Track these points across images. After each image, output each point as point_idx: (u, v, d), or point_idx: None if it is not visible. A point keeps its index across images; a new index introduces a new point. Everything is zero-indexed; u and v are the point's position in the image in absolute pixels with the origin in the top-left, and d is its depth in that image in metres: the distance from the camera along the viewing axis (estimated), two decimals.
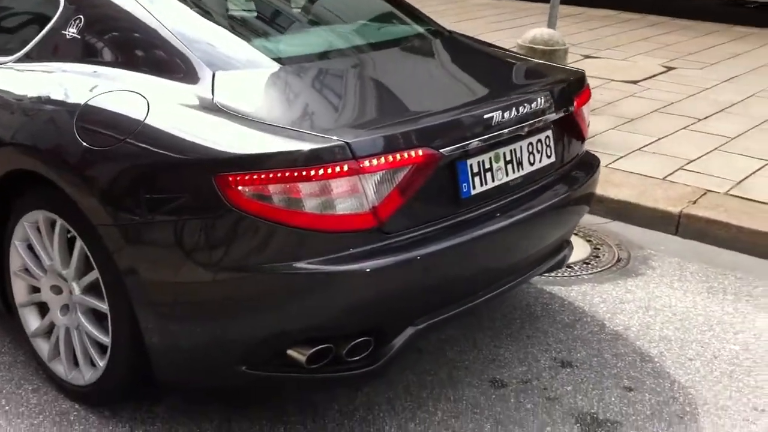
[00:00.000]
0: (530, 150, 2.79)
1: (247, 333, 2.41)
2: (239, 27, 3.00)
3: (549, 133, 2.87)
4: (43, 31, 2.85)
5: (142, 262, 2.40)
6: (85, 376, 2.72)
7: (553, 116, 2.84)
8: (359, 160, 2.28)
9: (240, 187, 2.26)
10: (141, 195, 2.37)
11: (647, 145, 5.33)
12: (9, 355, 3.03)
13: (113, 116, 2.49)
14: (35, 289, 2.85)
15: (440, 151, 2.44)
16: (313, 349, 2.39)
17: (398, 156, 2.35)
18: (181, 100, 2.49)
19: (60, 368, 2.81)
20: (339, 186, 2.28)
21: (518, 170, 2.74)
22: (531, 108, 2.71)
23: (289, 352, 2.42)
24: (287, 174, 2.25)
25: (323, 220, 2.30)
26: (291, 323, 2.39)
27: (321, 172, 2.25)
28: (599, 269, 3.85)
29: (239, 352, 2.44)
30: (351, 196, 2.30)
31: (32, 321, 2.88)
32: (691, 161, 5.02)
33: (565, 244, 3.17)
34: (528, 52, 5.08)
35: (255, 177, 2.25)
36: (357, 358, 2.47)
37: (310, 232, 2.30)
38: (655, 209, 4.36)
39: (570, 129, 3.00)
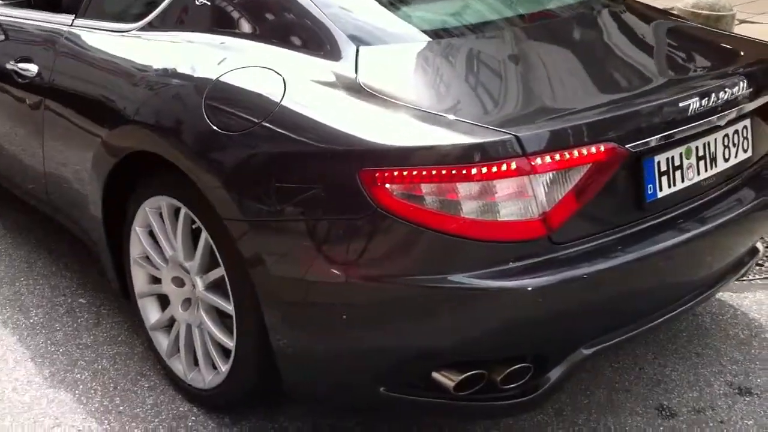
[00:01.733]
0: (726, 143, 2.33)
1: (389, 350, 2.09)
2: None
3: (747, 122, 2.40)
4: None
5: (273, 261, 2.10)
6: (206, 378, 2.47)
7: (756, 103, 2.37)
8: (530, 158, 1.90)
9: (388, 185, 1.92)
10: (274, 187, 2.07)
11: None
12: (126, 345, 2.83)
13: (246, 96, 2.19)
14: (156, 280, 2.62)
15: (626, 146, 2.03)
16: (464, 375, 2.05)
17: (575, 153, 1.96)
18: (321, 78, 2.17)
19: (179, 367, 2.58)
20: (505, 187, 1.91)
21: (711, 167, 2.30)
22: (732, 93, 2.25)
23: (435, 375, 2.09)
24: (444, 171, 1.90)
25: (484, 226, 1.94)
26: (439, 344, 2.05)
27: (485, 170, 1.89)
28: None
29: (378, 370, 2.13)
30: (518, 199, 1.93)
31: (152, 313, 2.66)
32: None
33: (753, 251, 2.70)
34: (690, 19, 4.52)
35: (406, 174, 1.91)
36: (512, 385, 2.12)
37: (468, 241, 1.94)
38: None
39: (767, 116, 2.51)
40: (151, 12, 2.61)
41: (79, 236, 2.94)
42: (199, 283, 2.41)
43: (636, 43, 2.60)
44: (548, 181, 1.94)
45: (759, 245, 2.74)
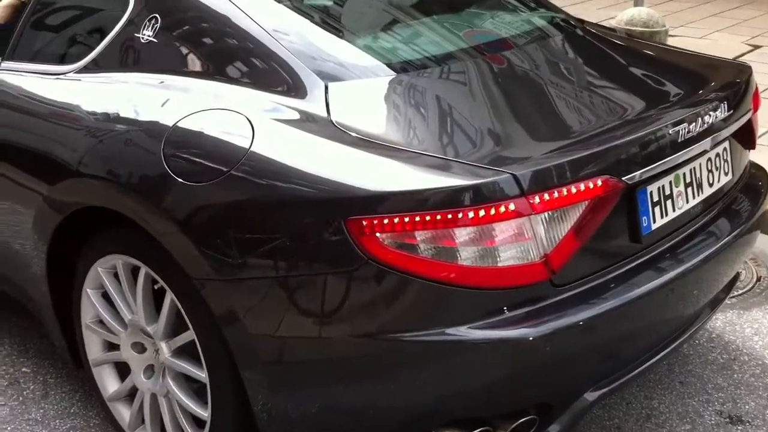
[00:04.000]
0: (709, 168, 2.27)
1: (385, 411, 1.93)
2: (342, 25, 2.48)
3: (726, 144, 2.35)
4: (111, 34, 2.36)
5: (252, 321, 1.91)
6: None
7: (737, 124, 2.32)
8: (529, 197, 1.78)
9: (378, 234, 1.77)
10: (251, 241, 1.89)
11: (761, 135, 4.76)
12: (80, 418, 2.56)
13: (211, 143, 2.01)
14: (113, 346, 2.38)
15: (622, 178, 1.93)
16: None
17: (573, 188, 1.84)
18: (291, 119, 2.00)
19: None
20: (504, 230, 1.79)
21: (698, 194, 2.23)
22: (717, 116, 2.19)
23: None
24: (439, 217, 1.76)
25: (483, 273, 1.81)
26: (437, 402, 1.90)
27: (482, 213, 1.76)
28: (741, 291, 3.32)
29: None
30: (518, 242, 1.80)
31: (110, 382, 2.41)
32: None
33: (738, 274, 2.65)
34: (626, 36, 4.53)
35: (398, 221, 1.76)
36: None
37: (466, 290, 1.80)
38: None
39: (744, 138, 2.47)
40: (90, 52, 2.39)
41: (19, 299, 2.67)
42: (165, 349, 2.19)
43: (612, 70, 2.53)
44: (548, 221, 1.83)
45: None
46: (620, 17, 4.82)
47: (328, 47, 2.25)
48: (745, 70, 2.53)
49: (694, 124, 2.09)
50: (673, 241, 2.14)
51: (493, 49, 2.41)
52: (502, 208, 1.77)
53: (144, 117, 2.15)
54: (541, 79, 2.35)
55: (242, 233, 1.90)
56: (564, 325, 1.85)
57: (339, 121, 1.97)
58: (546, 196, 1.80)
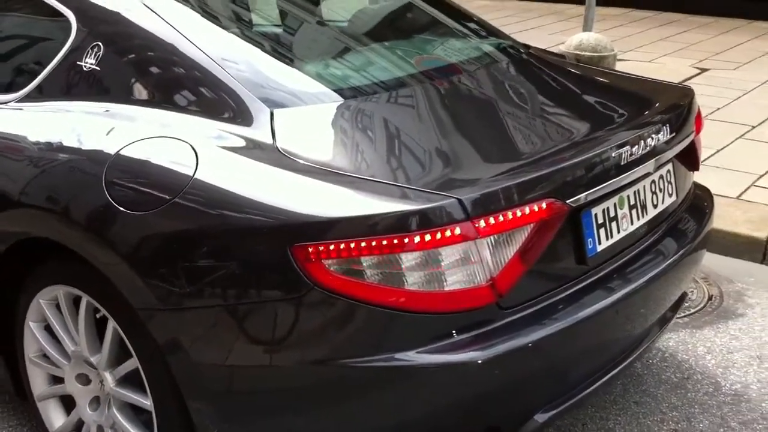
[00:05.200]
0: (653, 189, 2.30)
1: None
2: (291, 52, 2.48)
3: (670, 166, 2.39)
4: (53, 62, 2.32)
5: (196, 349, 1.89)
6: None
7: (680, 147, 2.36)
8: (474, 221, 1.79)
9: (324, 260, 1.76)
10: (194, 269, 1.87)
11: (707, 158, 4.85)
12: None
13: (154, 171, 1.98)
14: (58, 379, 2.33)
15: (567, 201, 1.94)
16: None
17: (518, 212, 1.85)
18: (236, 146, 1.98)
19: None
20: (450, 254, 1.79)
21: (643, 215, 2.25)
22: (659, 139, 2.22)
23: None
24: (385, 242, 1.75)
25: (430, 298, 1.80)
26: (387, 427, 1.89)
27: (428, 237, 1.76)
28: (693, 310, 3.36)
29: None
30: (464, 266, 1.81)
31: (56, 417, 2.36)
32: (761, 176, 4.56)
33: (686, 293, 2.68)
34: (573, 60, 4.60)
35: (344, 247, 1.75)
36: None
37: (414, 314, 1.80)
38: (737, 235, 3.87)
39: (687, 159, 2.51)
40: (32, 80, 2.36)
41: None
42: (109, 379, 2.15)
43: (558, 94, 2.56)
44: (494, 244, 1.83)
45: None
46: (569, 42, 4.89)
47: (274, 74, 2.25)
48: (687, 93, 2.57)
49: (637, 146, 2.12)
50: (618, 263, 2.16)
51: (441, 74, 2.43)
52: (448, 233, 1.77)
53: (86, 145, 2.12)
54: (488, 103, 2.37)
55: (187, 262, 1.87)
56: (512, 348, 1.85)
57: (284, 147, 1.96)
58: (491, 220, 1.81)
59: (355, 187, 1.83)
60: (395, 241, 1.75)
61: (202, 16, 2.37)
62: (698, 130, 2.52)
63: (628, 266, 2.17)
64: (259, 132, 2.01)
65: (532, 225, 1.87)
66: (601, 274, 2.10)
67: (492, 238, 1.82)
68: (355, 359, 1.80)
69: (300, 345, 1.82)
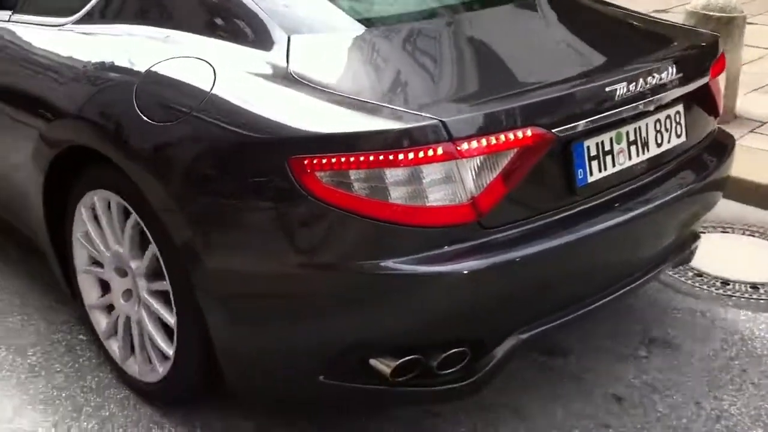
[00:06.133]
0: (658, 128, 2.35)
1: (325, 338, 2.09)
2: None
3: (680, 108, 2.43)
4: None
5: (207, 253, 2.10)
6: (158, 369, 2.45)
7: (686, 88, 2.40)
8: (456, 142, 1.91)
9: (317, 172, 1.93)
10: (205, 178, 2.07)
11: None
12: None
13: (175, 87, 2.19)
14: (98, 263, 2.60)
15: (553, 131, 2.04)
16: (399, 361, 2.05)
17: (503, 137, 1.97)
18: (252, 68, 2.16)
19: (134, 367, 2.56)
20: (432, 172, 1.92)
21: (644, 152, 2.32)
22: (661, 79, 2.27)
23: (372, 362, 2.09)
24: (371, 158, 1.90)
25: (413, 212, 1.95)
26: (373, 330, 2.05)
27: (411, 156, 1.90)
28: None
29: (316, 360, 2.12)
30: (446, 184, 1.94)
31: (92, 292, 2.65)
32: None
33: (694, 237, 2.72)
34: (701, 21, 4.54)
35: (334, 161, 1.92)
36: (450, 370, 2.12)
37: (398, 226, 1.94)
38: None
39: (703, 103, 2.54)
40: (85, 5, 2.60)
41: (27, 234, 2.89)
42: (142, 285, 2.40)
43: (573, 31, 2.62)
44: (476, 166, 1.95)
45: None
46: (696, 2, 4.79)
47: (297, 3, 2.40)
48: (706, 39, 2.59)
49: (634, 84, 2.18)
50: (612, 195, 2.24)
51: (455, 11, 2.54)
52: (430, 152, 1.90)
53: (121, 64, 2.35)
54: (497, 38, 2.46)
55: (198, 170, 2.08)
56: (491, 264, 1.98)
57: (295, 70, 2.12)
58: (474, 143, 1.93)
59: (350, 107, 1.98)
60: (381, 157, 1.90)
61: None
62: (713, 76, 2.53)
63: (621, 199, 2.24)
64: (276, 55, 2.18)
65: (515, 150, 1.98)
66: (591, 204, 2.19)
67: (474, 159, 1.94)
68: (346, 265, 1.97)
69: (295, 250, 2.00)
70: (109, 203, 2.43)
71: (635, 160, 2.29)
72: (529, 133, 2.00)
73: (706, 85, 2.50)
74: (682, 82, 2.37)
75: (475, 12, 2.55)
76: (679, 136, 2.44)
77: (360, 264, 1.96)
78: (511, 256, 2.01)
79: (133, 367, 2.53)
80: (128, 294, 2.49)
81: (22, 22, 2.79)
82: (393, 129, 1.90)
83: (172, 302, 2.28)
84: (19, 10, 2.83)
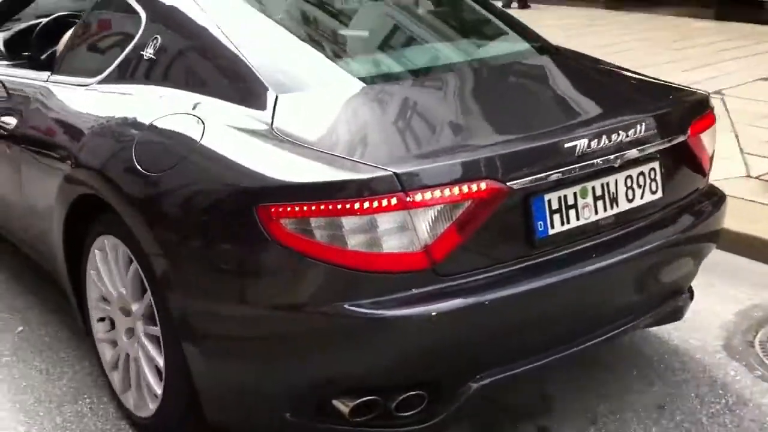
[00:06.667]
0: (628, 184, 2.41)
1: (290, 377, 2.21)
2: (317, 44, 2.84)
3: (655, 165, 2.48)
4: (125, 52, 2.82)
5: (183, 294, 2.27)
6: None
7: (660, 145, 2.46)
8: (408, 193, 2.03)
9: (281, 219, 2.07)
10: (186, 224, 2.25)
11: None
12: None
13: (168, 140, 2.40)
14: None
15: (508, 184, 2.14)
16: (357, 401, 2.16)
17: (456, 190, 2.08)
18: (241, 126, 2.34)
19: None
20: (386, 221, 2.04)
21: (612, 208, 2.38)
22: (629, 136, 2.34)
23: (335, 402, 2.20)
24: (330, 206, 2.04)
25: (369, 258, 2.07)
26: (333, 371, 2.17)
27: (366, 205, 2.03)
28: None
29: (283, 398, 2.24)
30: (399, 233, 2.06)
31: (100, 328, 2.85)
32: None
33: (677, 293, 2.73)
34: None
35: (297, 209, 2.06)
36: (409, 413, 2.21)
37: (356, 272, 2.07)
38: None
39: (685, 160, 2.59)
40: (108, 68, 2.86)
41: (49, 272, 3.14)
42: (139, 325, 2.58)
43: (553, 89, 2.74)
44: (430, 216, 2.07)
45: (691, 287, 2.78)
46: None
47: (290, 64, 2.59)
48: (693, 96, 2.65)
49: (596, 141, 2.25)
50: (575, 248, 2.30)
51: (449, 68, 2.71)
52: (384, 202, 2.02)
53: (128, 119, 2.59)
54: (469, 96, 2.61)
55: (179, 215, 2.27)
56: (442, 310, 2.07)
57: (278, 127, 2.29)
58: (428, 194, 2.04)
59: (317, 160, 2.13)
60: (339, 206, 2.04)
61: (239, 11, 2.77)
62: (695, 133, 2.57)
63: (585, 252, 2.30)
64: (263, 113, 2.36)
65: (468, 202, 2.09)
66: (553, 255, 2.26)
67: (427, 209, 2.05)
68: (308, 307, 2.10)
69: (262, 293, 2.15)
70: (117, 248, 2.63)
71: (602, 214, 2.35)
72: (483, 186, 2.10)
73: (685, 143, 2.54)
74: (654, 139, 2.42)
75: (460, 72, 2.69)
76: (654, 192, 2.48)
77: (320, 307, 2.09)
78: (465, 303, 2.10)
79: (130, 400, 2.70)
80: (130, 332, 2.68)
81: (56, 82, 3.08)
82: (349, 179, 2.04)
83: (161, 344, 2.45)
84: (56, 71, 3.13)
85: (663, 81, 2.89)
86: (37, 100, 3.09)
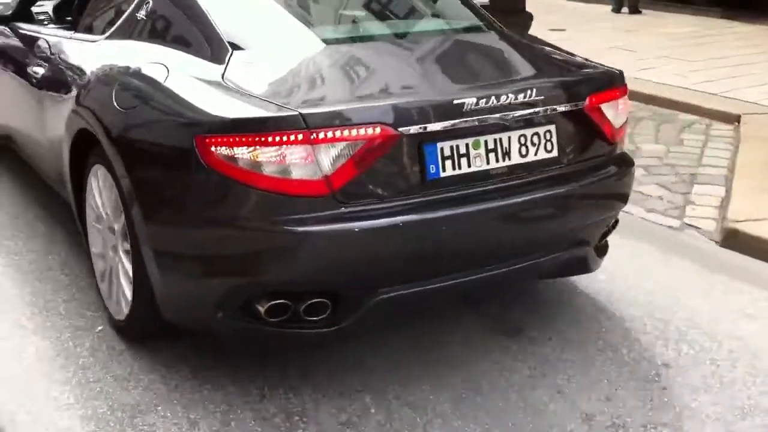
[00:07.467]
0: (522, 142, 2.80)
1: (217, 281, 2.70)
2: (277, 11, 3.35)
3: (551, 127, 2.85)
4: (125, 14, 3.37)
5: (144, 211, 2.77)
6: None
7: (555, 110, 2.83)
8: (312, 131, 2.49)
9: (213, 148, 2.55)
10: (145, 150, 2.78)
11: None
12: None
13: (139, 82, 2.93)
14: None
15: (400, 130, 2.57)
16: (270, 303, 2.62)
17: (354, 132, 2.52)
18: (198, 75, 2.84)
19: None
20: (293, 153, 2.50)
21: (503, 160, 2.76)
22: (518, 98, 2.73)
23: (255, 304, 2.66)
24: (249, 139, 2.51)
25: (281, 183, 2.52)
26: (250, 276, 2.64)
27: (278, 138, 2.49)
28: None
29: (214, 299, 2.71)
30: (305, 164, 2.51)
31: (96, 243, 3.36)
32: None
33: (584, 244, 3.08)
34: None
35: (224, 139, 2.53)
36: (317, 318, 2.66)
37: (271, 194, 2.53)
38: None
39: (585, 126, 2.94)
40: (112, 27, 3.42)
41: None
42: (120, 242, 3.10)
43: (469, 57, 3.16)
44: (331, 152, 2.51)
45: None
46: None
47: (249, 25, 3.10)
48: (600, 71, 3.03)
49: (484, 101, 2.65)
50: (466, 191, 2.69)
51: (388, 38, 3.17)
52: (292, 137, 2.49)
53: (115, 68, 3.12)
54: (396, 60, 3.05)
55: (139, 142, 2.79)
56: (336, 231, 2.52)
57: (228, 77, 2.78)
58: (329, 133, 2.49)
59: (248, 102, 2.61)
60: (257, 138, 2.50)
61: None
62: (594, 103, 2.90)
63: (473, 196, 2.70)
64: (219, 67, 2.85)
65: (364, 142, 2.53)
66: (444, 195, 2.66)
67: (329, 146, 2.50)
68: (234, 223, 2.58)
69: (197, 212, 2.63)
70: (105, 176, 3.17)
71: (494, 165, 2.74)
72: (378, 130, 2.53)
73: (582, 110, 2.90)
74: (547, 103, 2.80)
75: (393, 41, 3.15)
76: (549, 151, 2.85)
77: (244, 222, 2.56)
78: (356, 226, 2.54)
79: (112, 306, 3.23)
80: (114, 249, 3.21)
81: (76, 39, 3.66)
82: (264, 116, 2.51)
83: (131, 256, 2.96)
84: (78, 30, 3.72)
85: (585, 60, 3.24)
86: (61, 51, 3.69)
